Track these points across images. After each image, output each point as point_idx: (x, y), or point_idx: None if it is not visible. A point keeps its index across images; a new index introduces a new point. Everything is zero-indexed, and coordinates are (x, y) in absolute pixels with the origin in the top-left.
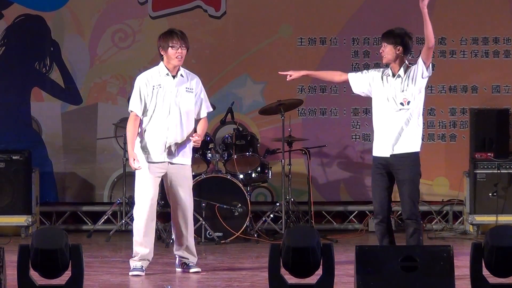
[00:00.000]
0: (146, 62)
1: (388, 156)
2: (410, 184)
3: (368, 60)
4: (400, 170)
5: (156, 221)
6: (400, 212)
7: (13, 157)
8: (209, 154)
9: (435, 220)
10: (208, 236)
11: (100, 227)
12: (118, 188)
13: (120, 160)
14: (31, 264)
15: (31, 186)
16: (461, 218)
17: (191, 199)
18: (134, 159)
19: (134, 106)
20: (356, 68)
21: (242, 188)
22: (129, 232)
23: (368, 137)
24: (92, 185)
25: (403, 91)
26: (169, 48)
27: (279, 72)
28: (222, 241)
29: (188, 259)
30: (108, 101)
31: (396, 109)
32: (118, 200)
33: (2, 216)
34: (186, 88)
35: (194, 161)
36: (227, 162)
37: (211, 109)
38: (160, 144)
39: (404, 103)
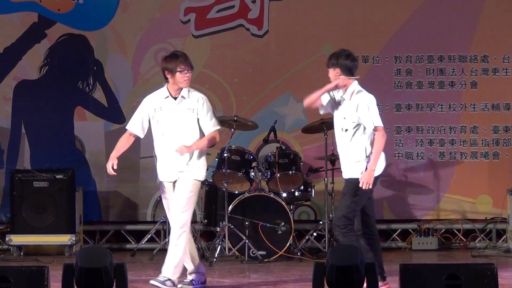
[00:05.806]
0: None
1: None
2: None
3: (410, 78)
4: None
5: (199, 239)
6: (443, 230)
7: (57, 176)
8: (252, 173)
9: (479, 238)
10: (251, 254)
11: (143, 246)
12: (161, 206)
13: None
14: (76, 283)
15: (74, 205)
16: (505, 236)
17: (179, 213)
18: (112, 164)
19: (129, 124)
20: (398, 87)
21: (285, 206)
22: None
23: (411, 156)
24: (136, 204)
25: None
26: (177, 73)
27: None
28: (265, 260)
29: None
30: None
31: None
32: (162, 218)
33: (46, 235)
34: (188, 108)
35: (237, 179)
36: (270, 181)
37: (218, 127)
38: (165, 165)
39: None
